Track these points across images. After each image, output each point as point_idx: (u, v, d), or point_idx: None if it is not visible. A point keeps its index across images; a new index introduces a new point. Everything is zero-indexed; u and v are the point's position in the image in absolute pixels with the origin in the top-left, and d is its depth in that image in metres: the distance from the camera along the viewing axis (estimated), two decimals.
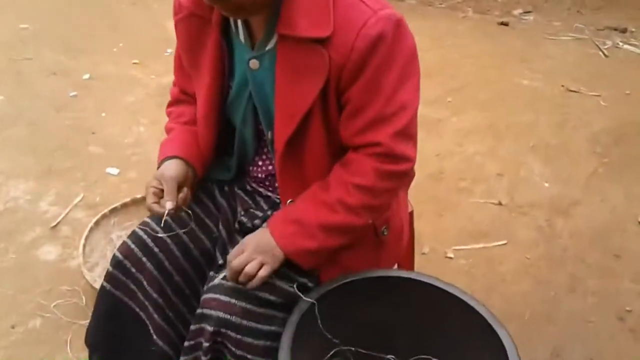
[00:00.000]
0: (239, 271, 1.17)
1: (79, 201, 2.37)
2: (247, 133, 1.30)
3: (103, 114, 2.97)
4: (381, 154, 1.15)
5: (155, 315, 1.30)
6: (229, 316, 1.17)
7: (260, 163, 1.35)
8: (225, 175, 1.38)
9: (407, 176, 1.27)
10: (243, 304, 1.18)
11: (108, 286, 1.31)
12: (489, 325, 1.19)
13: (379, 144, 1.15)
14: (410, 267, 1.65)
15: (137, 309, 1.32)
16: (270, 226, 1.20)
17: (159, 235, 1.27)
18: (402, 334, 1.32)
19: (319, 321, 1.19)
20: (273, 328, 1.20)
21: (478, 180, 2.50)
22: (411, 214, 1.57)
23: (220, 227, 1.35)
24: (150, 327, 1.31)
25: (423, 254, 2.11)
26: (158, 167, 1.28)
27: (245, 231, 1.31)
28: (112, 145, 2.73)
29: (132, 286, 1.31)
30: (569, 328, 1.84)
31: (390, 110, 1.14)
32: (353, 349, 1.32)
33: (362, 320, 1.30)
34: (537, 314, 1.89)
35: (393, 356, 1.36)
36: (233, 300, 1.19)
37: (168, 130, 1.38)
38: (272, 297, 1.21)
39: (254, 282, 1.17)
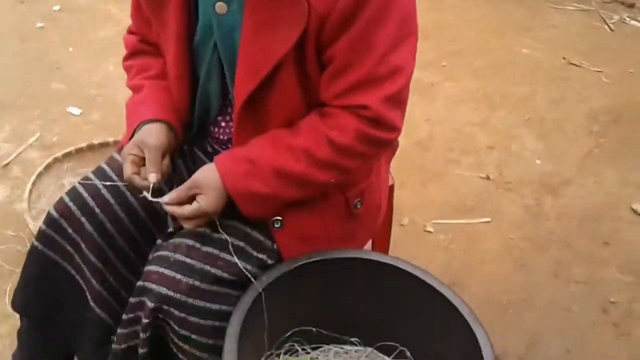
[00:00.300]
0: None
1: (34, 140, 2.19)
2: (211, 88, 1.12)
3: (70, 49, 2.75)
4: (367, 118, 1.00)
5: (93, 281, 1.15)
6: (172, 293, 1.02)
7: (223, 124, 1.17)
8: (186, 134, 1.20)
9: (389, 146, 1.11)
10: (190, 281, 1.03)
11: (40, 246, 1.16)
12: (462, 317, 1.06)
13: (366, 107, 0.99)
14: (386, 242, 1.51)
15: (73, 272, 1.17)
16: (218, 162, 1.04)
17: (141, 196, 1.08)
18: (368, 318, 1.20)
19: (265, 308, 1.05)
20: (224, 307, 1.05)
21: (467, 151, 2.34)
22: (391, 187, 1.42)
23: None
24: (87, 293, 1.16)
25: (402, 225, 1.97)
26: (133, 131, 1.10)
27: None
28: (76, 82, 2.52)
29: (68, 247, 1.15)
30: (548, 317, 1.72)
31: (382, 72, 0.98)
32: (314, 329, 1.19)
33: (326, 302, 1.17)
34: (516, 299, 1.76)
35: (357, 339, 1.24)
36: (178, 276, 1.03)
37: (135, 87, 1.18)
38: (224, 274, 1.06)
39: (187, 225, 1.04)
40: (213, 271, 1.05)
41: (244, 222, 1.11)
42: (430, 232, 1.96)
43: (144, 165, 1.06)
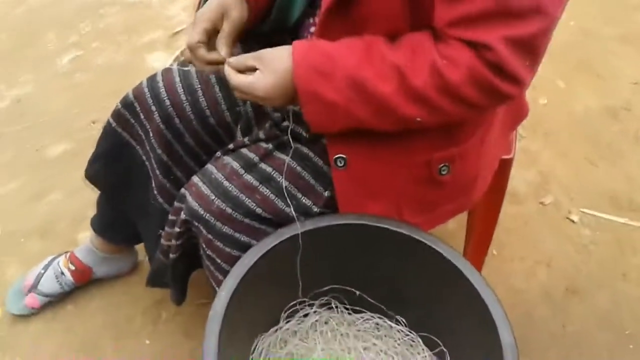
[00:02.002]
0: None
1: None
2: None
3: None
4: (487, 60, 0.80)
5: (158, 172, 1.16)
6: (202, 211, 1.00)
7: (312, 30, 1.02)
8: (260, 25, 1.04)
9: (505, 101, 0.87)
10: (222, 206, 0.99)
11: (113, 123, 1.19)
12: (500, 345, 0.89)
13: (487, 47, 0.79)
14: (487, 227, 1.29)
15: (144, 158, 1.19)
16: (296, 46, 0.88)
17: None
18: (418, 303, 1.08)
19: (299, 255, 0.97)
20: (254, 242, 0.99)
21: None
22: (509, 162, 1.18)
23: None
24: (152, 181, 1.18)
25: (541, 203, 1.68)
26: None
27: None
28: None
29: (140, 132, 1.17)
30: None
31: (516, 5, 0.77)
32: (357, 292, 1.10)
33: (375, 271, 1.06)
34: None
35: (404, 320, 1.11)
36: (212, 196, 1.00)
37: None
38: (257, 209, 0.99)
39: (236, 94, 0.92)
40: (247, 203, 0.98)
41: (297, 160, 1.01)
42: (572, 221, 1.65)
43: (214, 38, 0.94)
